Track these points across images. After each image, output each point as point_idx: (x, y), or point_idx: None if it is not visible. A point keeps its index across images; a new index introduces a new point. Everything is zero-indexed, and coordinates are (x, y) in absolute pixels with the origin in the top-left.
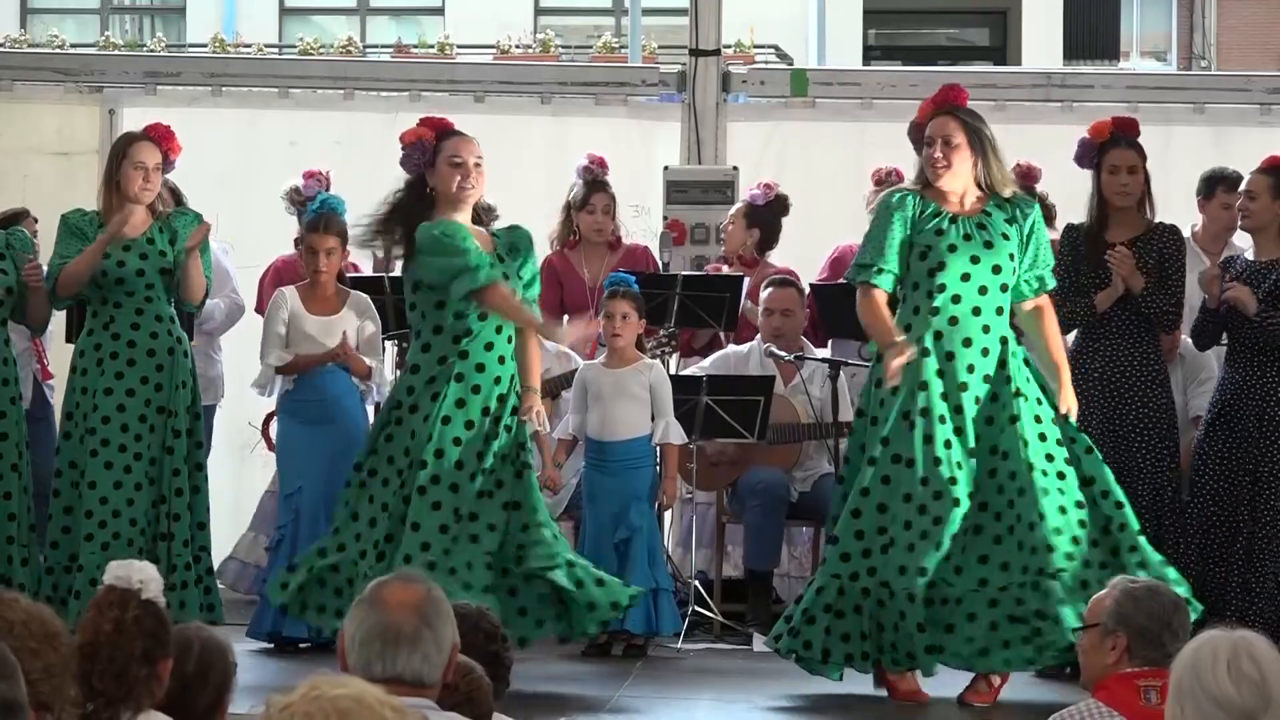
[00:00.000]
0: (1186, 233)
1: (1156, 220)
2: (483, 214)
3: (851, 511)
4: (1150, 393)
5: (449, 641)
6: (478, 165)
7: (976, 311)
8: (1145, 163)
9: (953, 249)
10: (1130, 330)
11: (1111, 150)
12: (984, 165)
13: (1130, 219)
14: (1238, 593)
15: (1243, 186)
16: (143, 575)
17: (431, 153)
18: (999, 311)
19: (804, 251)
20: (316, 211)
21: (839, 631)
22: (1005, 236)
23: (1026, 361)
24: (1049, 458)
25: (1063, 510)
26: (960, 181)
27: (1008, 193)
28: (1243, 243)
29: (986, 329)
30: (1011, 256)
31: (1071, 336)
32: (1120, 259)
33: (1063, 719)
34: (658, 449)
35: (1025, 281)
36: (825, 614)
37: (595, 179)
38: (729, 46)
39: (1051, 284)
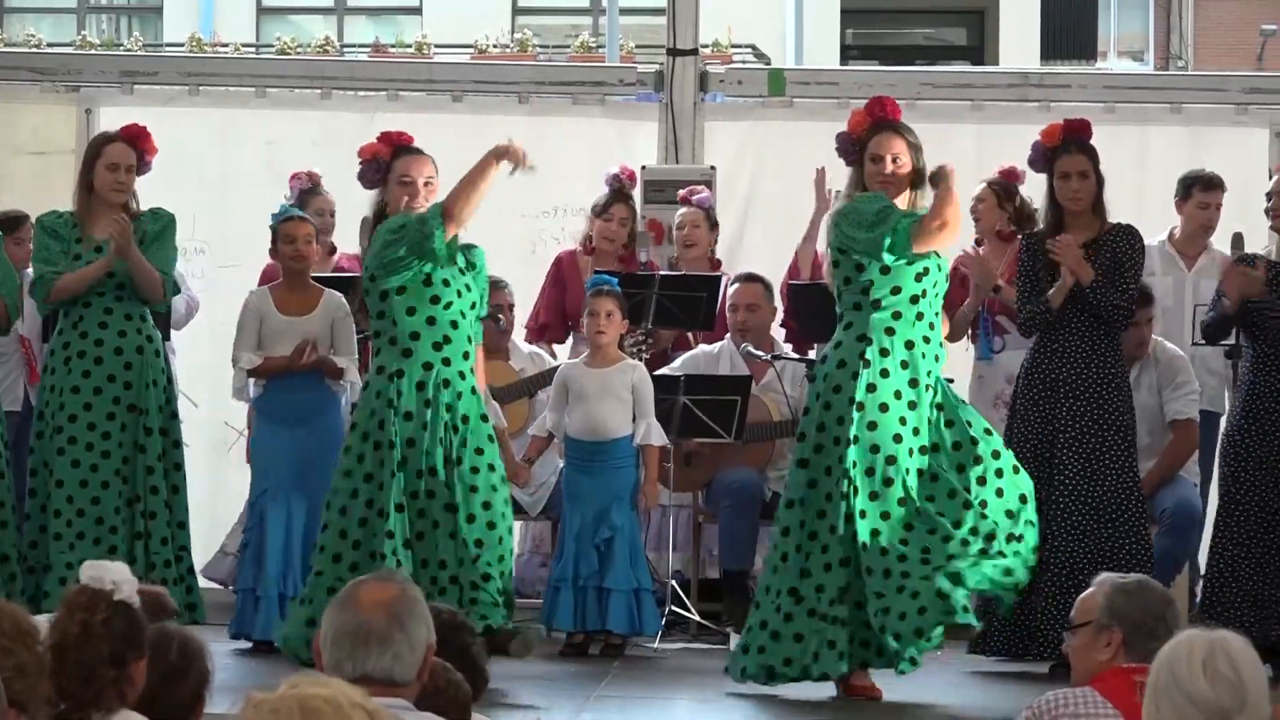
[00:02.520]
0: (1163, 235)
1: (1113, 222)
2: None
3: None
4: (1108, 394)
5: (423, 641)
6: (428, 184)
7: (896, 315)
8: (1098, 166)
9: (913, 259)
10: (1086, 331)
11: (1062, 156)
12: (921, 178)
13: (1085, 222)
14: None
15: (1271, 187)
16: (116, 576)
17: (385, 170)
18: (919, 318)
19: (780, 252)
20: (285, 213)
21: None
22: None
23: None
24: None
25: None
26: (903, 197)
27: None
28: (1220, 245)
29: (910, 343)
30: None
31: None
32: (1064, 246)
33: (1055, 701)
34: (638, 449)
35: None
36: None
37: (620, 189)
38: (706, 46)
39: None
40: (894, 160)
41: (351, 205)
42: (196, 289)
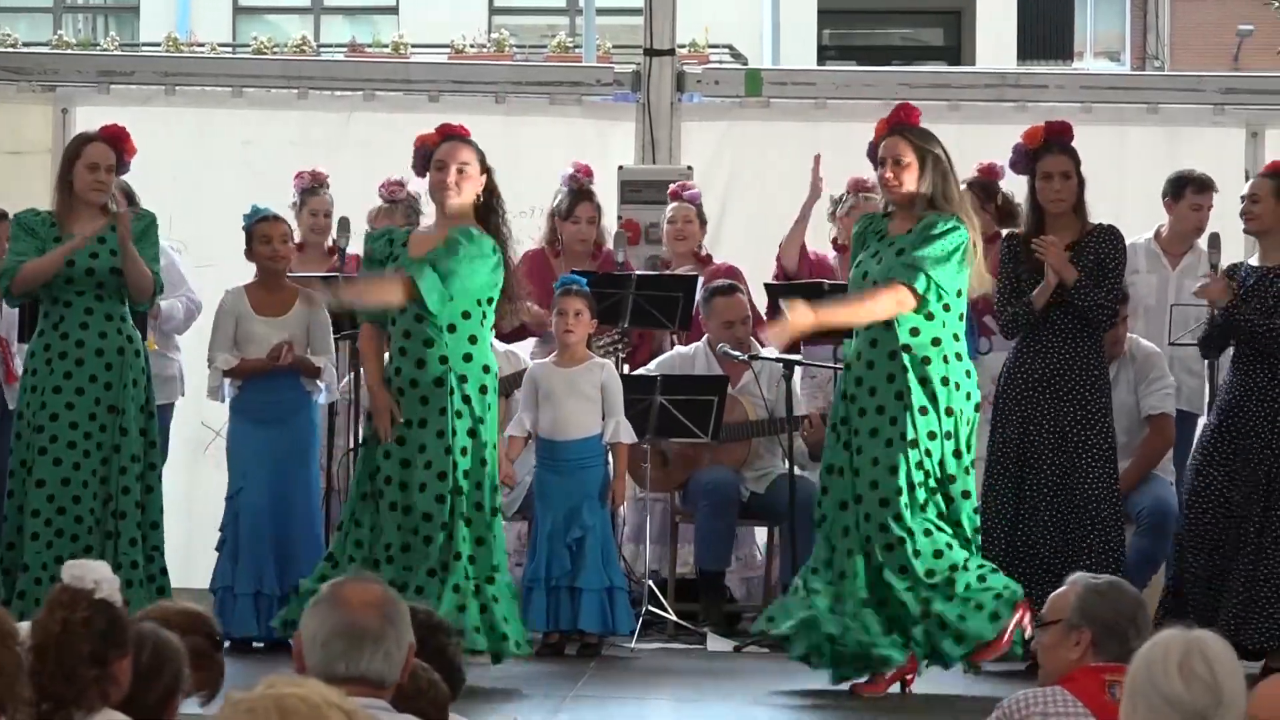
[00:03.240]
0: (1149, 234)
1: (1094, 223)
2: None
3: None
4: (1090, 394)
5: (407, 641)
6: (460, 170)
7: (868, 326)
8: (1079, 167)
9: (858, 265)
10: (1069, 332)
11: (1045, 157)
12: (931, 184)
13: (1067, 224)
14: (1239, 602)
15: (1245, 190)
16: (97, 575)
17: (430, 155)
18: (887, 326)
19: (757, 251)
20: (259, 213)
21: None
22: (900, 252)
23: (925, 381)
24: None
25: None
26: (907, 199)
27: (950, 211)
28: (1203, 245)
29: (874, 343)
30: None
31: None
32: (1047, 245)
33: (1025, 700)
34: (608, 448)
35: (898, 268)
36: None
37: (581, 188)
38: (683, 46)
39: (915, 280)
40: (895, 163)
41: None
42: None
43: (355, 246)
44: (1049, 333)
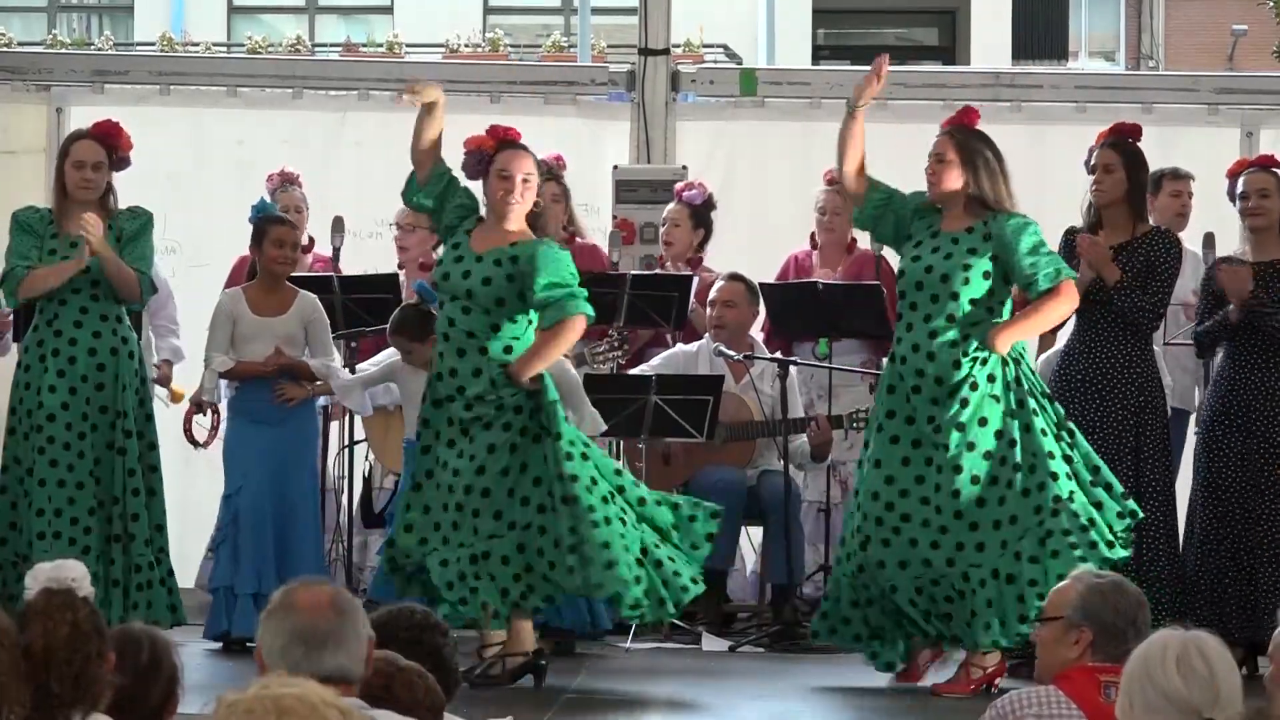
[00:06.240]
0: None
1: (1150, 225)
2: (536, 220)
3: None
4: (1130, 393)
5: (365, 634)
6: (525, 180)
7: (927, 319)
8: (1132, 165)
9: (915, 259)
10: (1114, 331)
11: (1096, 151)
12: (976, 183)
13: (1122, 222)
14: (1238, 603)
15: (1248, 185)
16: (74, 573)
17: (487, 162)
18: (950, 319)
19: (753, 251)
20: (269, 213)
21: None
22: (973, 251)
23: (992, 378)
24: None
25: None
26: (950, 197)
27: (1005, 209)
28: (1191, 245)
29: (933, 335)
30: (967, 267)
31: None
32: (1089, 244)
33: (1019, 700)
34: None
35: (1042, 278)
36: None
37: (549, 170)
38: (678, 46)
39: (1067, 274)
40: (937, 159)
41: (324, 205)
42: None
43: (348, 246)
44: (1093, 334)
